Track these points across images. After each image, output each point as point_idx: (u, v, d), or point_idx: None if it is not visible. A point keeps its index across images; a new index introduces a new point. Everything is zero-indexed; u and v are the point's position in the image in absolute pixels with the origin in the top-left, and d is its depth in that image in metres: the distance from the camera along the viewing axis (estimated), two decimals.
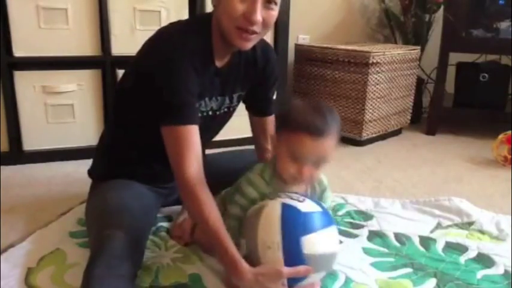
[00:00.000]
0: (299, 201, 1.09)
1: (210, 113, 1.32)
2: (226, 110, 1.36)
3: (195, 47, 1.16)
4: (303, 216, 1.06)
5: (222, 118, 1.39)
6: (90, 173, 1.44)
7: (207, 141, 1.41)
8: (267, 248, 1.04)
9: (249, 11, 1.09)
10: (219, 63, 1.25)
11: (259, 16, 1.10)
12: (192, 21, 1.26)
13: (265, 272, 1.03)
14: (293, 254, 1.03)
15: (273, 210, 1.07)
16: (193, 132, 1.13)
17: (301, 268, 1.03)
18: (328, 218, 1.11)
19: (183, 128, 1.12)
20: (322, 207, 1.12)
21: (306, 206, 1.08)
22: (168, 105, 1.13)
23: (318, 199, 1.21)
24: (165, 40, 1.18)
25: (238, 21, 1.11)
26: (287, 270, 1.02)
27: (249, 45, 1.17)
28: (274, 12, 1.14)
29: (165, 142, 1.15)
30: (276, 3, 1.13)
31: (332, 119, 1.09)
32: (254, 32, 1.13)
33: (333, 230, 1.10)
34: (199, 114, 1.24)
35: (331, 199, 1.29)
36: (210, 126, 1.37)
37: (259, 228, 1.07)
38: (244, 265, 1.04)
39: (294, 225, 1.05)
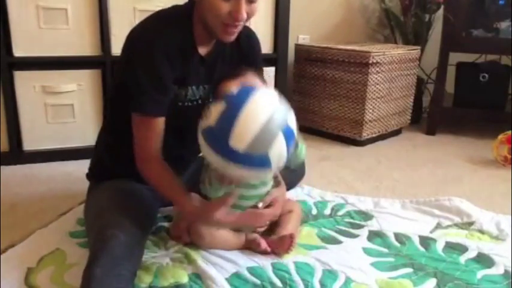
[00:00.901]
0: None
1: (200, 101, 1.34)
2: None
3: (171, 37, 1.21)
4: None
5: None
6: (89, 175, 1.45)
7: None
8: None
9: (235, 10, 1.16)
10: (202, 52, 1.29)
11: (244, 14, 1.16)
12: (172, 11, 1.28)
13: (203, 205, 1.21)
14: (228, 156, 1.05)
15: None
16: (156, 123, 1.22)
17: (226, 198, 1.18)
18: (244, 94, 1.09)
19: (147, 118, 1.22)
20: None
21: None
22: (136, 95, 1.21)
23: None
24: (140, 32, 1.24)
25: (225, 18, 1.17)
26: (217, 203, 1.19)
27: (233, 38, 1.23)
28: (256, 4, 1.20)
29: (132, 124, 1.24)
30: None
31: None
32: (238, 25, 1.20)
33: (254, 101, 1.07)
34: (189, 104, 1.31)
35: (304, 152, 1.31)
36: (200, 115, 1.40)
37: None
38: (187, 198, 1.23)
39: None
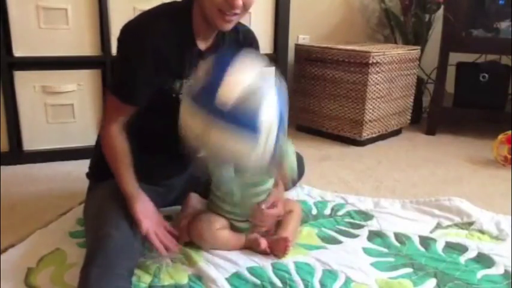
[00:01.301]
0: None
1: None
2: None
3: (165, 30, 1.22)
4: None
5: None
6: (89, 174, 1.45)
7: None
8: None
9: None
10: (202, 46, 1.30)
11: (239, 1, 1.17)
12: (171, 5, 1.30)
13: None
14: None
15: None
16: (128, 110, 1.26)
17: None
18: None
19: (122, 103, 1.24)
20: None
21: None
22: (116, 78, 1.27)
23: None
24: (133, 24, 1.26)
25: (221, 5, 1.17)
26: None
27: (229, 26, 1.24)
28: None
29: (106, 101, 1.29)
30: None
31: None
32: (235, 14, 1.20)
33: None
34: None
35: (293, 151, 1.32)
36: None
37: None
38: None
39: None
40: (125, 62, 1.25)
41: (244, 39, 1.39)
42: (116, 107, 1.26)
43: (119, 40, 1.27)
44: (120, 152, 1.26)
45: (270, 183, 1.35)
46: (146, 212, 1.22)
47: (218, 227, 1.31)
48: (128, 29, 1.25)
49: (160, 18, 1.24)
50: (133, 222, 1.19)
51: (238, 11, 1.20)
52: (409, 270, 1.29)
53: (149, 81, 1.23)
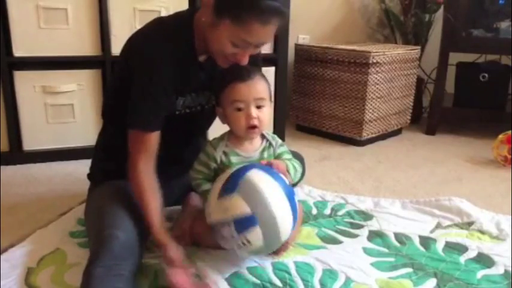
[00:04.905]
0: None
1: (199, 107, 1.36)
2: (215, 103, 1.38)
3: (172, 50, 1.20)
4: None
5: (212, 112, 1.40)
6: (90, 175, 1.45)
7: (202, 131, 1.56)
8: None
9: (241, 54, 1.18)
10: (202, 58, 1.29)
11: (246, 63, 1.19)
12: (173, 20, 1.28)
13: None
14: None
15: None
16: (152, 138, 1.22)
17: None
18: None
19: (143, 133, 1.21)
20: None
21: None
22: (132, 110, 1.22)
23: (275, 153, 1.33)
24: (141, 45, 1.23)
25: (228, 55, 1.19)
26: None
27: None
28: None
29: (128, 137, 1.23)
30: None
31: (255, 68, 1.27)
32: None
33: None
34: (187, 110, 1.32)
35: (289, 155, 1.37)
36: (201, 120, 1.42)
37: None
38: (159, 227, 1.19)
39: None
40: (138, 90, 1.22)
41: None
42: (138, 139, 1.22)
43: (129, 63, 1.24)
44: (148, 189, 1.21)
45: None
46: (177, 261, 1.17)
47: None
48: (137, 53, 1.23)
49: (167, 37, 1.21)
50: (135, 221, 1.18)
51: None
52: (409, 270, 1.29)
53: (163, 104, 1.23)
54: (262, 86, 1.26)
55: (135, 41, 1.25)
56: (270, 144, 1.34)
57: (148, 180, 1.21)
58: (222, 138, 1.32)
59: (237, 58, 1.19)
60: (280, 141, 1.37)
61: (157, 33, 1.23)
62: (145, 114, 1.21)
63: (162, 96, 1.21)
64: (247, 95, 1.23)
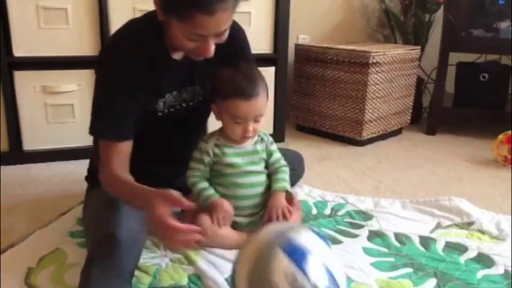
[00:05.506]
0: None
1: (184, 104, 1.34)
2: (201, 98, 1.37)
3: (140, 53, 1.17)
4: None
5: (201, 107, 1.39)
6: (87, 177, 1.45)
7: (197, 127, 1.49)
8: None
9: (203, 47, 1.13)
10: (177, 56, 1.26)
11: (212, 54, 1.14)
12: (142, 21, 1.25)
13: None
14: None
15: None
16: (119, 146, 1.18)
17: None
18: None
19: (107, 142, 1.19)
20: None
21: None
22: (96, 118, 1.21)
23: (267, 149, 1.39)
24: (110, 52, 1.22)
25: (191, 52, 1.17)
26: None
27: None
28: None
29: (99, 145, 1.20)
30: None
31: (259, 79, 1.29)
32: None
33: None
34: (172, 109, 1.30)
35: (279, 154, 1.42)
36: (190, 117, 1.38)
37: None
38: (153, 203, 1.05)
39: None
40: (102, 96, 1.20)
41: (231, 40, 1.26)
42: (106, 147, 1.20)
43: (98, 70, 1.23)
44: (127, 179, 1.17)
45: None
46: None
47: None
48: (105, 59, 1.21)
49: (136, 41, 1.18)
50: (133, 221, 1.18)
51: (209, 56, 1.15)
52: (409, 270, 1.29)
53: (130, 110, 1.19)
54: (263, 102, 1.29)
55: (106, 46, 1.24)
56: (262, 139, 1.40)
57: (126, 175, 1.18)
58: (213, 133, 1.37)
59: (200, 52, 1.15)
60: (271, 138, 1.42)
61: (126, 36, 1.21)
62: (113, 122, 1.19)
63: (128, 102, 1.18)
64: (248, 113, 1.27)
